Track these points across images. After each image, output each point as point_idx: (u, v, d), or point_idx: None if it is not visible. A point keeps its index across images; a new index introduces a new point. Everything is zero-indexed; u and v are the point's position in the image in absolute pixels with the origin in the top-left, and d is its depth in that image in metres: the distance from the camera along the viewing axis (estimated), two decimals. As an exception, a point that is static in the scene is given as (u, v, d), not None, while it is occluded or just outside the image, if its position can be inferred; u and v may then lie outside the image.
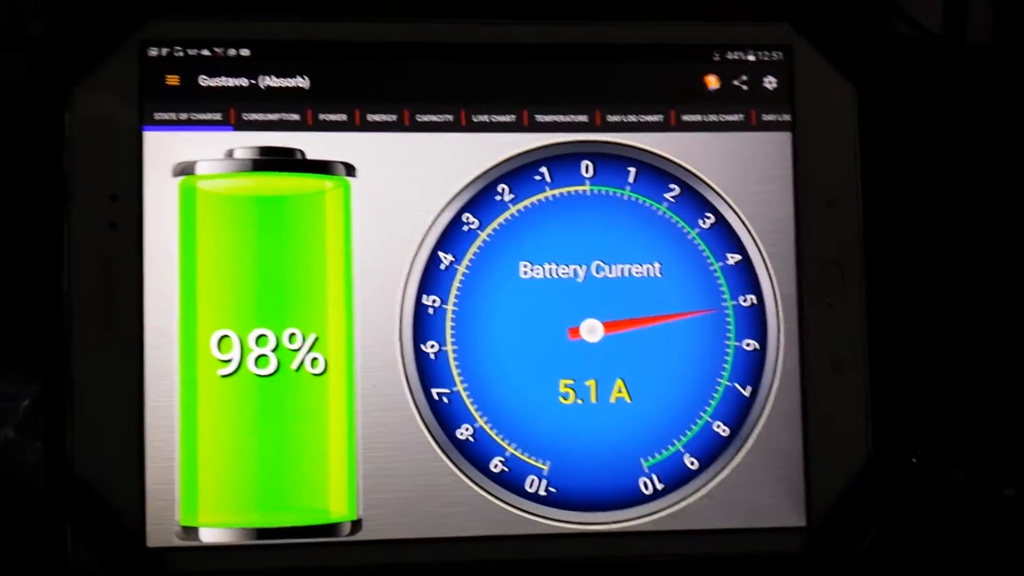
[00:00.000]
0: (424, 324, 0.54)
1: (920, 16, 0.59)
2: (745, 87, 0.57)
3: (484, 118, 0.56)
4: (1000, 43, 0.59)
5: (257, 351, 0.53)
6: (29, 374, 0.55)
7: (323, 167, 0.54)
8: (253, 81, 0.55)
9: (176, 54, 0.55)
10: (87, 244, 0.54)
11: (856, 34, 0.59)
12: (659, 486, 0.55)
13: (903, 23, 0.59)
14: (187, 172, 0.54)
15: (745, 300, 0.56)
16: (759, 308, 0.56)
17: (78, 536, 0.53)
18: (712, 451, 0.55)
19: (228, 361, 0.53)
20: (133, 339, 0.53)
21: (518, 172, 0.56)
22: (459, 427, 0.54)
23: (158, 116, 0.54)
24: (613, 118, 0.56)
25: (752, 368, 0.56)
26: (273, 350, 0.53)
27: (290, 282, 0.54)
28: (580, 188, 0.56)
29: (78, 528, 0.53)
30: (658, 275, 0.56)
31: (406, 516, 0.54)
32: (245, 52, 0.55)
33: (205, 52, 0.55)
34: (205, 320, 0.53)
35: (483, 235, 0.55)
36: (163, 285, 0.53)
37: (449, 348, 0.54)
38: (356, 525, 0.53)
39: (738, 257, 0.56)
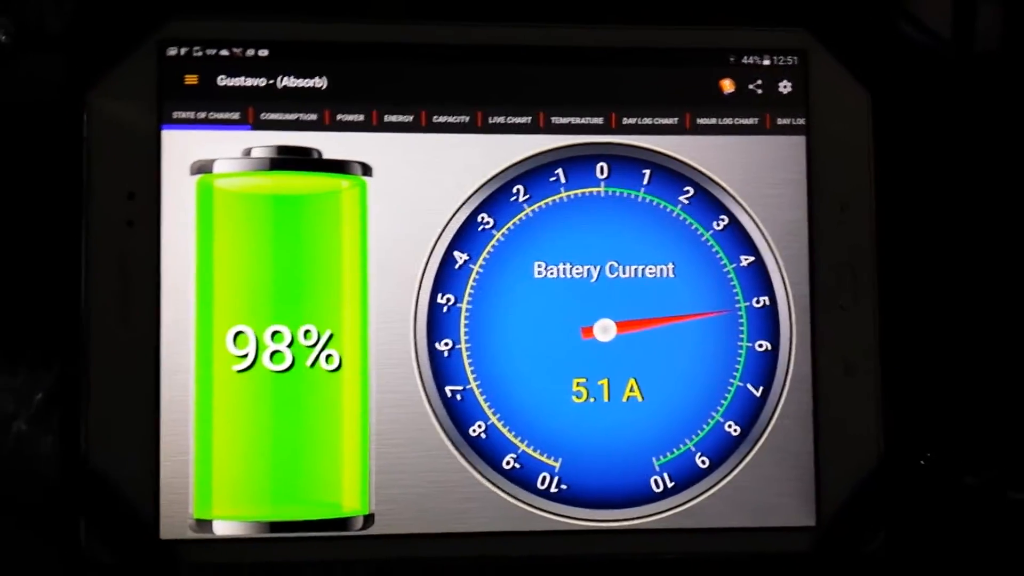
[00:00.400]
0: (438, 322, 0.58)
1: (929, 22, 0.63)
2: (760, 91, 0.61)
3: (500, 119, 0.59)
4: (1008, 50, 0.63)
5: (272, 347, 0.57)
6: (42, 368, 0.58)
7: (340, 167, 0.58)
8: (271, 81, 0.58)
9: (195, 54, 0.58)
10: (104, 241, 0.57)
11: (870, 40, 0.62)
12: (670, 484, 0.58)
13: (913, 29, 0.62)
14: (204, 170, 0.57)
15: (758, 302, 0.59)
16: (772, 310, 0.59)
17: (92, 528, 0.56)
18: (723, 451, 0.58)
19: (243, 357, 0.57)
20: (149, 334, 0.56)
21: (533, 173, 0.59)
22: (472, 424, 0.57)
23: (176, 115, 0.58)
24: (628, 120, 0.60)
25: (764, 369, 0.59)
26: (288, 346, 0.57)
27: (306, 279, 0.57)
28: (595, 189, 0.59)
29: (92, 520, 0.56)
30: (671, 276, 0.59)
31: (418, 511, 0.57)
32: (263, 52, 0.58)
33: (223, 52, 0.58)
34: (221, 316, 0.57)
35: (498, 235, 0.58)
36: (180, 281, 0.57)
37: (463, 346, 0.58)
38: (368, 520, 0.57)
39: (751, 259, 0.59)
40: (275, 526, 0.56)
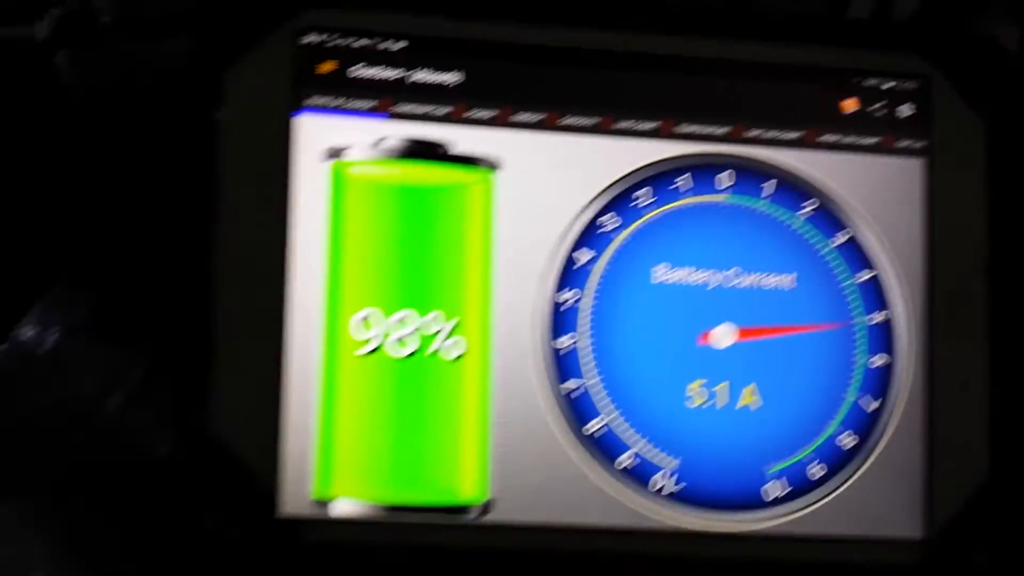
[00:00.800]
0: (560, 318, 0.62)
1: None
2: (881, 113, 0.65)
3: (627, 124, 0.64)
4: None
5: (398, 333, 0.61)
6: (143, 343, 0.62)
7: (469, 161, 0.62)
8: (406, 73, 0.63)
9: (331, 43, 0.63)
10: (236, 221, 0.61)
11: (986, 71, 0.67)
12: (783, 492, 0.62)
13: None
14: (336, 157, 0.61)
15: (876, 317, 0.63)
16: (889, 326, 0.63)
17: (211, 503, 0.59)
18: (836, 462, 0.62)
19: (368, 340, 0.60)
20: (276, 313, 0.60)
21: (657, 179, 0.63)
22: (590, 421, 0.61)
23: (310, 101, 0.62)
24: (752, 133, 0.64)
25: (880, 383, 0.63)
26: (413, 333, 0.61)
27: (433, 268, 0.61)
28: (717, 198, 0.64)
29: (211, 495, 0.59)
30: (791, 287, 0.63)
31: (534, 503, 0.60)
32: (400, 44, 0.63)
33: (360, 42, 0.63)
34: (348, 299, 0.60)
35: (621, 237, 0.63)
36: (308, 263, 0.60)
37: (584, 343, 0.62)
38: (485, 508, 0.60)
39: (870, 275, 0.64)
40: (393, 509, 0.59)
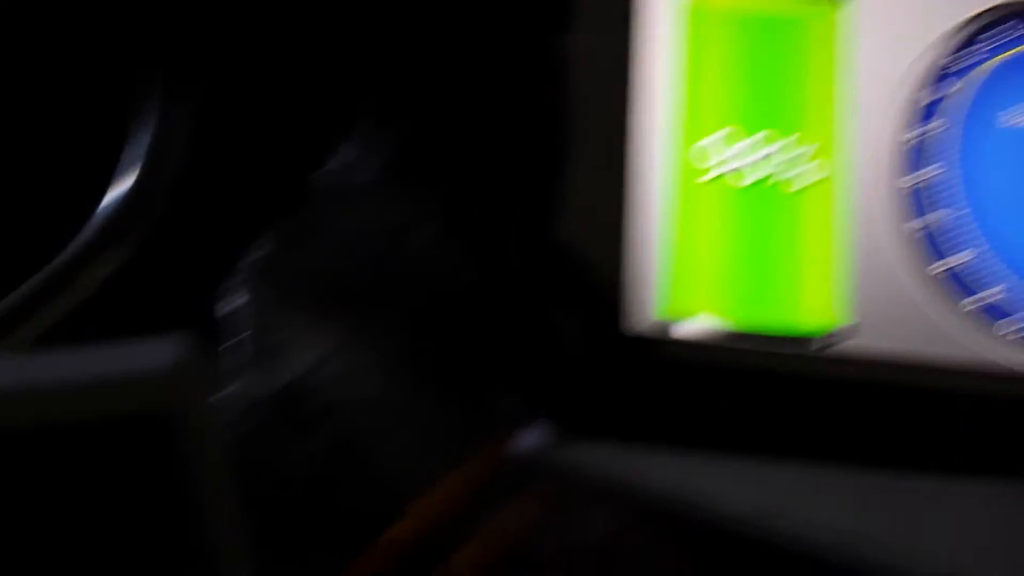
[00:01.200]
0: (918, 151, 0.61)
1: None
2: None
3: (995, -42, 0.62)
4: None
5: (748, 159, 0.61)
6: (453, 177, 0.64)
7: (825, -9, 0.62)
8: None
9: None
10: (584, 48, 0.63)
11: None
12: None
13: None
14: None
15: None
16: None
17: (557, 318, 0.60)
18: None
19: (718, 165, 0.61)
20: (623, 135, 0.61)
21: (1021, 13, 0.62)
22: (950, 255, 0.60)
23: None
24: None
25: None
26: (765, 159, 0.61)
27: (786, 97, 0.61)
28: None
29: (557, 311, 0.60)
30: None
31: (884, 337, 0.59)
32: None
33: None
34: (701, 121, 0.61)
35: (983, 71, 0.62)
36: (657, 88, 0.62)
37: (944, 177, 0.61)
38: (832, 338, 0.60)
39: None
40: (739, 334, 0.59)
